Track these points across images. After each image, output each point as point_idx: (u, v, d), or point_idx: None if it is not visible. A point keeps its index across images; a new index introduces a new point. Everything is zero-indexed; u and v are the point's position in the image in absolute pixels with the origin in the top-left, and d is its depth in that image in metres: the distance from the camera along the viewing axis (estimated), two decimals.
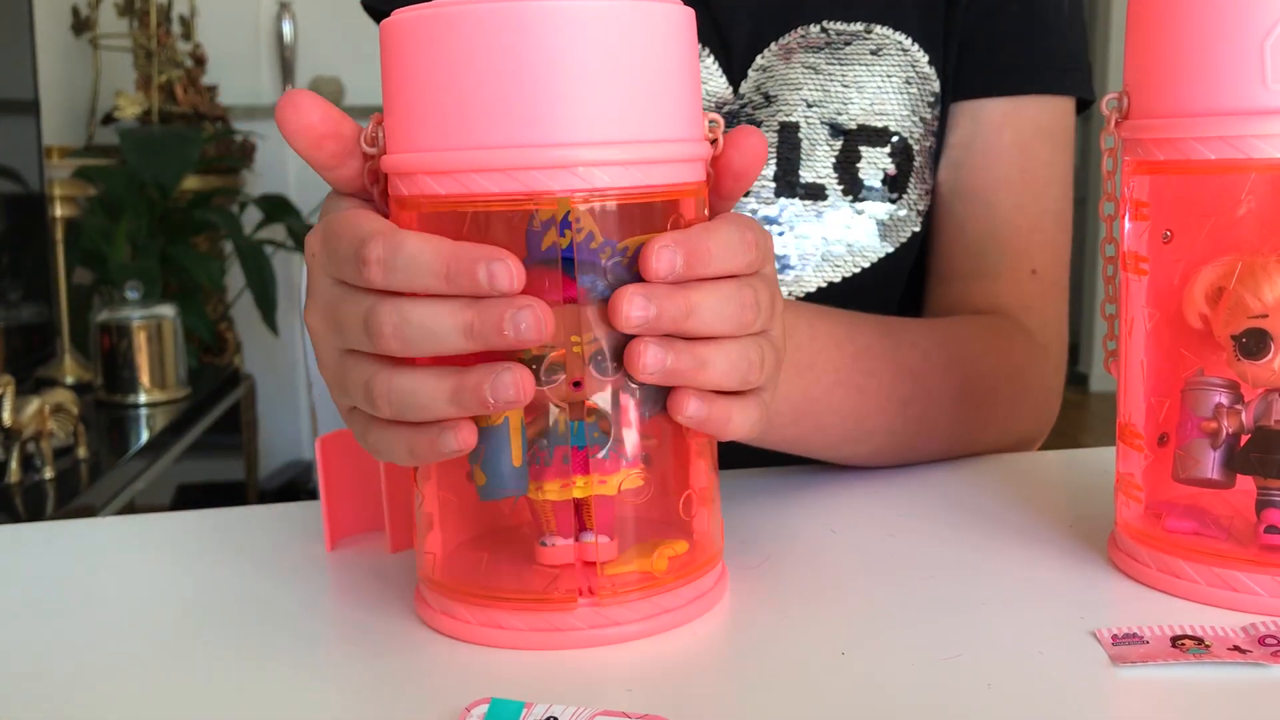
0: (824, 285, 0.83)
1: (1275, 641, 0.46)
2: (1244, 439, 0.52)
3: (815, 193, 0.82)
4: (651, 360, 0.46)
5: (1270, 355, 0.50)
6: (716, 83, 0.84)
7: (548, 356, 0.47)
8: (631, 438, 0.49)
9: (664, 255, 0.46)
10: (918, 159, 0.83)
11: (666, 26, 0.48)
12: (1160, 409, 0.54)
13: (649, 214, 0.48)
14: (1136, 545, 0.54)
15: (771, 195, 0.82)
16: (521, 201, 0.46)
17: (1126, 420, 0.55)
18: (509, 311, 0.44)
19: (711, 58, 0.85)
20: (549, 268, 0.47)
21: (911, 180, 0.83)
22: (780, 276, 0.82)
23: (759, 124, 0.83)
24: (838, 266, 0.83)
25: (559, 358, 0.47)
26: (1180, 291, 0.53)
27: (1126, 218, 0.54)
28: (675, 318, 0.46)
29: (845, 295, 0.83)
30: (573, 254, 0.46)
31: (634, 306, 0.45)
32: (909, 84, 0.83)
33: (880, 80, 0.82)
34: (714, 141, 0.51)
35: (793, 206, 0.82)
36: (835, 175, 0.82)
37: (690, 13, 0.49)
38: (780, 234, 0.82)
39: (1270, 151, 0.47)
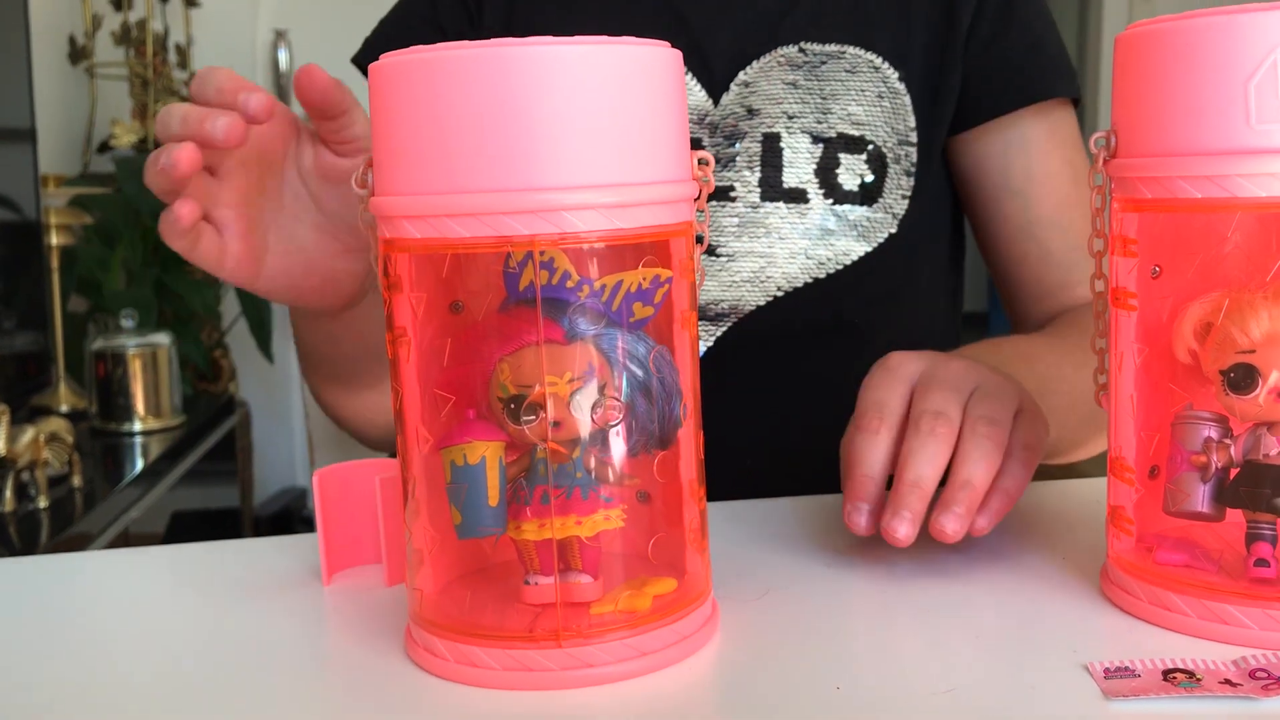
0: (810, 281, 0.88)
1: (1266, 675, 0.47)
2: (1233, 473, 0.53)
3: (797, 196, 0.87)
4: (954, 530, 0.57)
5: (1258, 390, 0.51)
6: (697, 96, 0.89)
7: (527, 396, 0.48)
8: (611, 478, 0.50)
9: (897, 530, 0.57)
10: (892, 166, 0.89)
11: (649, 69, 0.48)
12: (1151, 443, 0.55)
13: (629, 253, 0.49)
14: (1128, 578, 0.54)
15: (758, 200, 0.87)
16: (496, 245, 0.46)
17: (1117, 453, 0.56)
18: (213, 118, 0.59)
19: (690, 73, 0.89)
20: (528, 307, 0.47)
21: (886, 185, 0.89)
22: (768, 274, 0.87)
23: (743, 135, 0.88)
24: (822, 264, 0.88)
25: (538, 397, 0.48)
26: (1169, 327, 0.54)
27: (1115, 254, 0.54)
28: (917, 501, 0.57)
29: (831, 291, 0.88)
30: (550, 294, 0.47)
31: (902, 532, 0.57)
32: (881, 98, 0.89)
33: (855, 95, 0.89)
34: (704, 180, 0.52)
35: (777, 210, 0.87)
36: (816, 180, 0.88)
37: (676, 54, 0.50)
38: (767, 235, 0.87)
39: (1255, 190, 0.48)
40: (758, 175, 0.87)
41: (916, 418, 0.60)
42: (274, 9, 3.23)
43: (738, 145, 0.88)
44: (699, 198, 0.52)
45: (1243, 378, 0.51)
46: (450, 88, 0.46)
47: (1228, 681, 0.46)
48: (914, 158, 0.90)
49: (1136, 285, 0.54)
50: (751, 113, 0.88)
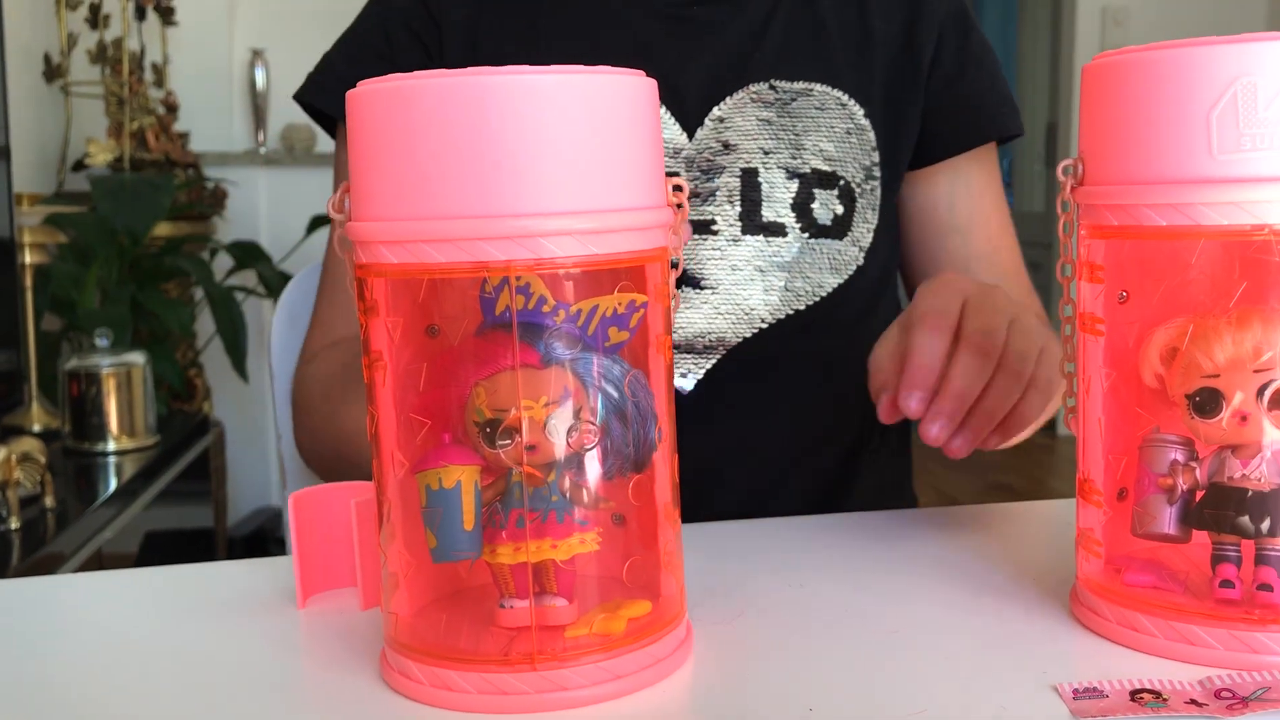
0: (790, 314, 0.90)
1: (1230, 695, 0.47)
2: (1199, 495, 0.53)
3: (776, 230, 0.89)
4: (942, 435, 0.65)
5: (1222, 413, 0.52)
6: (671, 131, 0.90)
7: (503, 420, 0.48)
8: (586, 501, 0.50)
9: (934, 429, 0.64)
10: (859, 200, 0.92)
11: (624, 98, 0.49)
12: (1118, 465, 0.56)
13: (605, 278, 0.49)
14: (1097, 599, 0.55)
15: (738, 233, 0.89)
16: (473, 271, 0.47)
17: (1085, 476, 0.56)
18: None
19: (664, 108, 0.90)
20: (504, 332, 0.48)
21: (855, 219, 0.92)
22: (751, 305, 0.89)
23: (721, 170, 0.89)
24: (800, 296, 0.90)
25: (514, 421, 0.48)
26: (1136, 352, 0.54)
27: (1083, 279, 0.55)
28: (957, 409, 0.64)
29: (808, 323, 0.90)
30: (526, 319, 0.47)
31: (935, 429, 0.64)
32: (849, 134, 0.92)
33: (826, 131, 0.92)
34: (679, 206, 0.53)
35: (756, 243, 0.89)
36: (794, 214, 0.90)
37: (651, 83, 0.51)
38: (748, 268, 0.88)
39: (1217, 219, 0.49)
40: (738, 209, 0.89)
41: (969, 333, 0.65)
42: (251, 28, 3.23)
43: (716, 180, 0.89)
44: (675, 224, 0.52)
45: (1207, 401, 0.52)
46: (428, 115, 0.46)
47: (1194, 702, 0.47)
48: (878, 192, 0.93)
49: (1104, 310, 0.55)
50: (728, 148, 0.90)
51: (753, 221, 0.89)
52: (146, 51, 2.86)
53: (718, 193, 0.89)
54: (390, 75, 0.48)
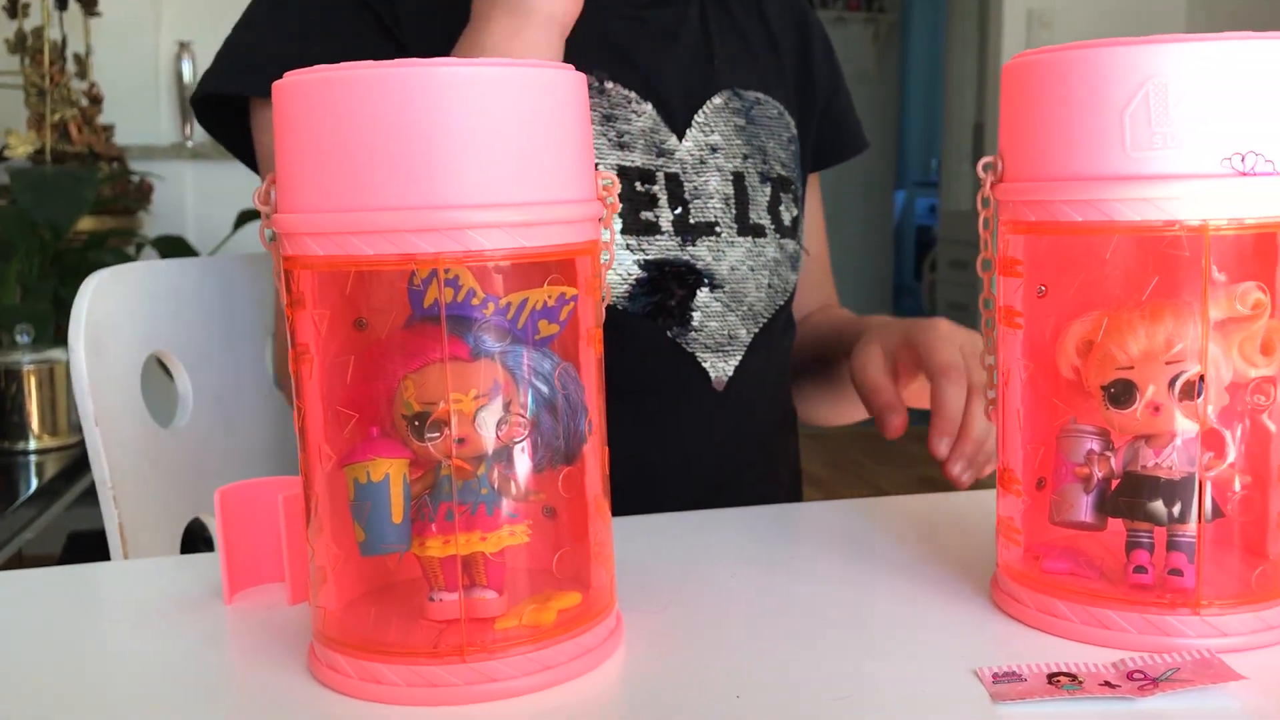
0: (776, 309, 0.95)
1: (1143, 676, 0.49)
2: (1114, 483, 0.55)
3: (759, 232, 0.93)
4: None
5: (1136, 404, 0.53)
6: (663, 133, 0.91)
7: (431, 413, 0.48)
8: (516, 494, 0.50)
9: (957, 468, 0.78)
10: (798, 204, 0.99)
11: (552, 91, 0.49)
12: (1037, 455, 0.57)
13: (535, 271, 0.49)
14: (1016, 586, 0.56)
15: (734, 235, 0.92)
16: (401, 263, 0.47)
17: (1005, 465, 0.58)
18: None
19: (654, 110, 0.91)
20: (432, 324, 0.48)
21: (799, 221, 0.99)
22: (750, 302, 0.93)
23: (717, 170, 0.92)
24: (777, 293, 0.95)
25: (442, 414, 0.48)
26: (1053, 344, 0.56)
27: (1002, 274, 0.56)
28: (976, 452, 0.78)
29: (785, 319, 0.97)
30: (455, 311, 0.47)
31: (958, 469, 0.78)
32: (790, 143, 0.98)
33: (778, 139, 0.97)
34: (608, 202, 0.53)
35: (746, 244, 0.92)
36: (769, 217, 0.94)
37: (581, 78, 0.51)
38: (741, 268, 0.92)
39: (1131, 215, 0.50)
40: (733, 212, 0.92)
41: (975, 385, 0.78)
42: (177, 20, 3.17)
43: (712, 184, 0.91)
44: (604, 218, 0.53)
45: (1121, 393, 0.54)
46: (354, 106, 0.46)
47: (1107, 683, 0.48)
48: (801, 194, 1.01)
49: (1023, 304, 0.56)
50: (715, 151, 0.93)
51: (744, 223, 0.92)
52: (69, 42, 2.80)
53: (715, 195, 0.92)
54: (318, 66, 0.48)
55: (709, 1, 0.98)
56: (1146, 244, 0.52)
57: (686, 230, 0.89)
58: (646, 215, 0.87)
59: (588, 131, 0.52)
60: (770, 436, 0.98)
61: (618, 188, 0.54)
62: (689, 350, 0.89)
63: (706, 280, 0.90)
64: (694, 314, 0.89)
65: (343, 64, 0.47)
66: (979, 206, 0.57)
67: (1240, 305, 0.52)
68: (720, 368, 0.91)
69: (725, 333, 0.91)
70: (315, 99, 0.47)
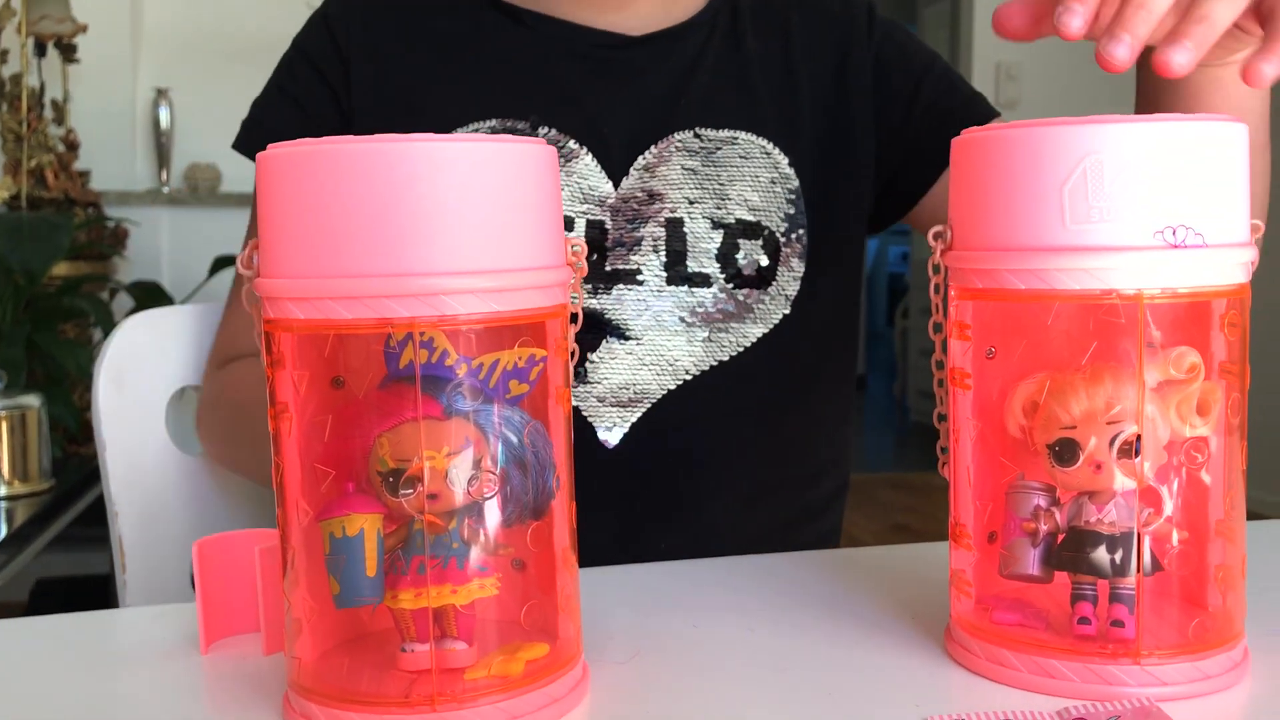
0: (714, 365, 0.90)
1: None
2: (1060, 538, 0.57)
3: (701, 281, 0.89)
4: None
5: (1079, 462, 0.56)
6: (597, 179, 0.90)
7: (405, 470, 0.50)
8: (486, 548, 0.52)
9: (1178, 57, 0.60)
10: (784, 250, 0.92)
11: (524, 164, 0.52)
12: (986, 510, 0.59)
13: (506, 333, 0.52)
14: (968, 637, 0.59)
15: (663, 284, 0.89)
16: (378, 327, 0.49)
17: (957, 520, 0.60)
18: None
19: (590, 155, 0.91)
20: (407, 384, 0.50)
21: (779, 269, 0.92)
22: (675, 357, 0.89)
23: (647, 219, 0.89)
24: (724, 348, 0.90)
25: (416, 470, 0.50)
26: (1001, 404, 0.59)
27: (953, 337, 0.59)
28: (1142, 25, 0.60)
29: (732, 373, 0.90)
30: (429, 372, 0.50)
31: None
32: (774, 184, 0.92)
33: (750, 180, 0.91)
34: (577, 266, 0.55)
35: (680, 294, 0.89)
36: (718, 265, 0.90)
37: (551, 150, 0.54)
38: (671, 318, 0.89)
39: (1070, 284, 0.53)
40: (662, 259, 0.89)
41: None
42: (155, 67, 3.20)
43: (642, 230, 0.89)
44: (576, 283, 0.55)
45: (1065, 451, 0.56)
46: (335, 179, 0.49)
47: None
48: (805, 241, 0.93)
49: (972, 366, 0.59)
50: (653, 197, 0.90)
51: (677, 272, 0.89)
52: (46, 88, 2.82)
53: (643, 242, 0.89)
54: (300, 140, 0.50)
55: (719, 34, 0.95)
56: (1086, 311, 0.55)
57: (601, 279, 0.88)
58: None
59: (557, 200, 0.54)
60: (695, 502, 0.91)
61: (585, 253, 0.56)
62: (575, 404, 0.86)
63: (616, 332, 0.88)
64: (593, 366, 0.87)
65: (324, 139, 0.49)
66: (929, 273, 0.60)
67: (1174, 370, 0.55)
68: (615, 423, 0.88)
69: (634, 388, 0.88)
70: (297, 171, 0.50)
